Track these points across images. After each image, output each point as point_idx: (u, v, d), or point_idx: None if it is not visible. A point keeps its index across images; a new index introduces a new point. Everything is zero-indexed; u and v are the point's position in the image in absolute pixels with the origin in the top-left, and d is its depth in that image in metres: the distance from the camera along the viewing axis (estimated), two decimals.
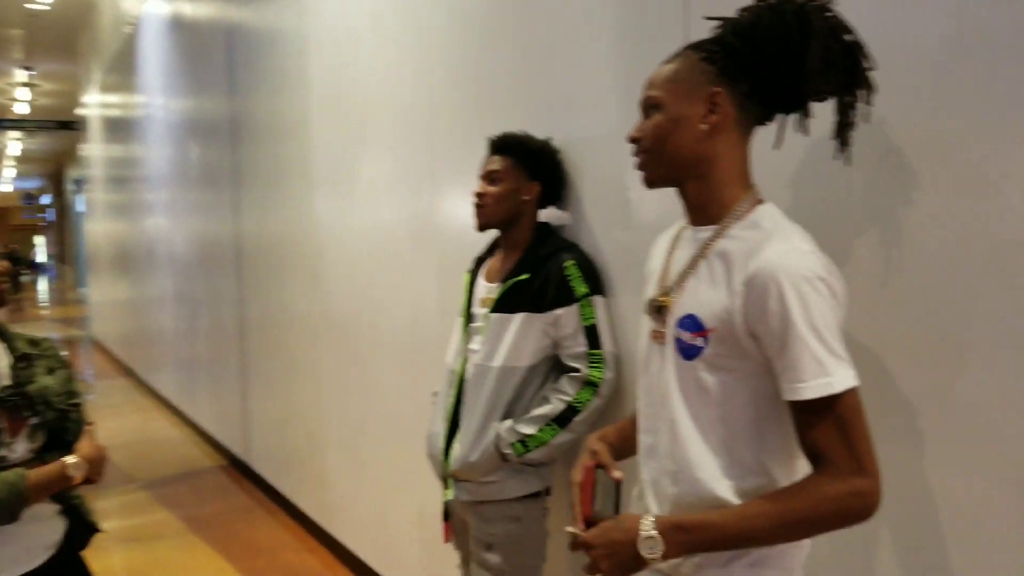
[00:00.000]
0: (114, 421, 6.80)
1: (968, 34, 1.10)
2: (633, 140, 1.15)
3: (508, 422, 1.74)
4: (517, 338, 1.73)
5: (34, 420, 1.63)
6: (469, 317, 1.88)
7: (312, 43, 3.41)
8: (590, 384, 1.70)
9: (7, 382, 1.64)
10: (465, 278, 1.96)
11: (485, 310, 1.81)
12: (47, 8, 8.92)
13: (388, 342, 2.90)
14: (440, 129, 2.48)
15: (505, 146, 1.83)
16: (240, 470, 4.85)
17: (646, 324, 1.19)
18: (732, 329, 1.03)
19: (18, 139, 17.67)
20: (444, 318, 2.48)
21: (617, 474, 1.19)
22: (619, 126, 1.73)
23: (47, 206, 29.01)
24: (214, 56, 4.86)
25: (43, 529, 1.66)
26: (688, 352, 1.08)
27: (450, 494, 1.85)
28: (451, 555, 2.02)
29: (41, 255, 32.18)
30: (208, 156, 5.15)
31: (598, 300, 1.74)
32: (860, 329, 1.24)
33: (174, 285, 6.32)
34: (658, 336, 1.15)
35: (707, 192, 1.11)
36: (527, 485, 1.78)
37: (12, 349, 1.69)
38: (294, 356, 3.87)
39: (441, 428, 1.85)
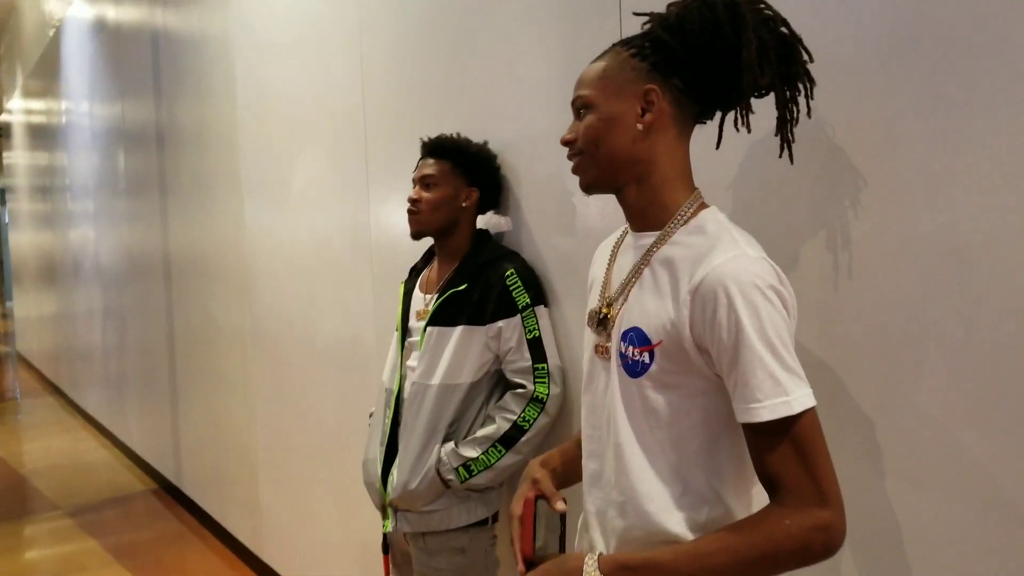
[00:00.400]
0: (39, 443, 6.48)
1: (913, 31, 1.05)
2: (566, 143, 1.08)
3: (449, 445, 1.63)
4: (457, 353, 1.63)
5: None
6: (405, 331, 1.76)
7: (238, 48, 3.26)
8: (536, 400, 1.60)
9: None
10: (400, 289, 1.85)
11: (421, 323, 1.70)
12: None
13: (322, 358, 2.75)
14: (374, 134, 2.36)
15: (440, 149, 1.73)
16: (171, 494, 4.61)
17: (589, 338, 1.11)
18: (679, 343, 0.95)
19: None
20: (381, 332, 2.36)
21: (560, 506, 1.09)
22: (558, 127, 1.64)
23: None
24: (139, 61, 4.64)
25: None
26: (633, 368, 1.00)
27: (389, 525, 1.72)
28: None
29: None
30: (135, 164, 4.92)
31: (541, 310, 1.65)
32: (810, 339, 1.18)
33: (102, 299, 6.02)
34: (602, 351, 1.06)
35: (647, 196, 1.04)
36: (472, 513, 1.66)
37: None
38: (225, 373, 3.68)
39: (378, 453, 1.72)
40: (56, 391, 8.05)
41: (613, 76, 1.02)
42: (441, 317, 1.66)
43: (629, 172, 1.03)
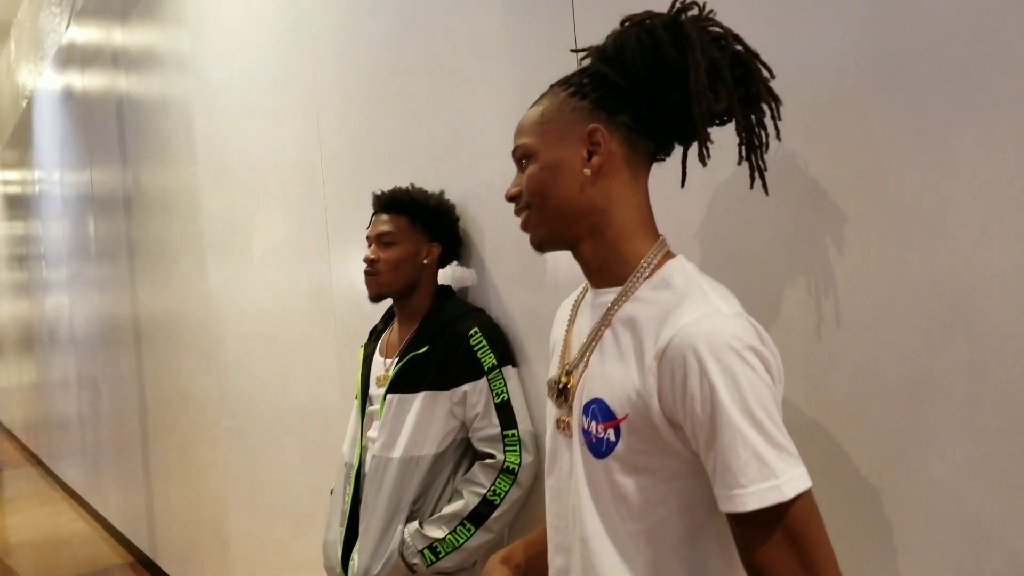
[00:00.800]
0: (19, 516, 6.26)
1: (897, 48, 0.95)
2: (511, 198, 0.96)
3: (414, 524, 1.48)
4: (419, 422, 1.49)
5: None
6: (365, 399, 1.63)
7: (197, 112, 3.18)
8: (507, 472, 1.46)
9: None
10: (359, 354, 1.72)
11: (381, 390, 1.57)
12: None
13: (289, 426, 2.61)
14: (330, 191, 2.26)
15: (396, 204, 1.61)
16: (147, 568, 4.40)
17: (551, 411, 0.97)
18: (647, 417, 0.82)
19: None
20: (345, 398, 2.22)
21: None
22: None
23: None
24: (106, 128, 4.58)
25: None
26: (598, 448, 0.87)
27: None
28: None
29: None
30: (103, 230, 4.82)
31: (509, 371, 1.52)
32: (799, 399, 1.05)
33: (76, 367, 5.86)
34: (563, 426, 0.93)
35: (604, 249, 0.92)
36: None
37: None
38: (195, 441, 3.51)
39: (338, 535, 1.57)
40: (37, 461, 7.82)
41: (553, 119, 0.91)
42: (402, 383, 1.53)
43: (582, 224, 0.92)
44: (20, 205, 7.96)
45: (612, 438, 0.85)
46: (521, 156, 0.95)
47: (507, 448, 1.46)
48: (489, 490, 1.45)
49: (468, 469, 1.53)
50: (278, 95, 2.54)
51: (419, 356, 1.51)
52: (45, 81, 6.30)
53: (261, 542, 2.91)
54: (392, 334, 1.65)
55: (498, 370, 1.50)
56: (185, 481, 3.73)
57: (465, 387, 1.49)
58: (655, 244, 0.92)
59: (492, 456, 1.47)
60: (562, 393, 0.93)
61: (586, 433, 0.88)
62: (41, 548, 5.19)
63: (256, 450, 2.88)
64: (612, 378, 0.86)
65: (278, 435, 2.68)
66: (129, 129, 4.15)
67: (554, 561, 0.95)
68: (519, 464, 1.46)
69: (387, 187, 1.68)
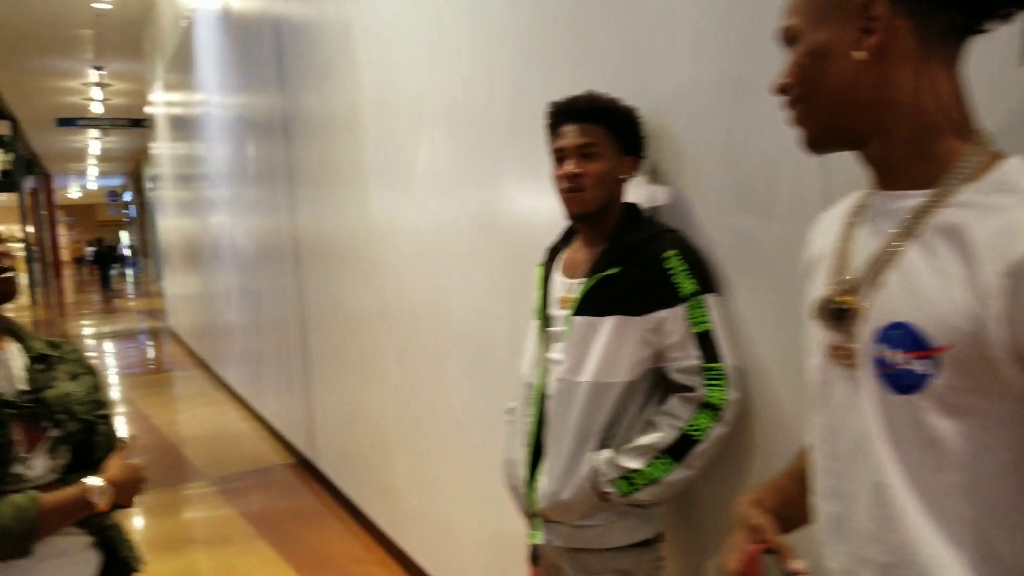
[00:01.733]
0: (188, 413, 6.92)
1: None
2: (780, 89, 0.82)
3: (606, 453, 1.41)
4: (609, 347, 1.41)
5: (54, 432, 1.38)
6: (546, 320, 1.55)
7: (360, 32, 3.15)
8: (709, 407, 1.36)
9: (23, 386, 1.39)
10: (537, 272, 1.63)
11: (566, 312, 1.49)
12: (109, 7, 8.98)
13: (451, 344, 2.63)
14: (499, 110, 2.17)
15: (594, 112, 1.46)
16: (307, 469, 4.71)
17: (817, 337, 0.84)
18: (983, 348, 0.67)
19: (97, 138, 18.23)
20: (512, 319, 2.19)
21: (798, 565, 0.83)
22: (726, 75, 1.38)
23: (129, 203, 30.15)
24: (263, 50, 4.68)
25: (69, 567, 1.40)
26: (901, 381, 0.72)
27: (539, 536, 1.52)
28: None
29: (126, 249, 33.59)
30: (263, 153, 5.01)
31: (711, 300, 1.40)
32: None
33: (239, 280, 6.26)
34: (842, 354, 0.79)
35: (900, 147, 0.76)
36: (635, 532, 1.44)
37: (27, 349, 1.44)
38: (356, 354, 3.66)
39: (522, 455, 1.54)
40: (202, 365, 8.54)
41: None
42: (590, 305, 1.44)
43: (864, 118, 0.76)
44: (184, 126, 8.45)
45: (924, 370, 0.71)
46: (787, 40, 0.81)
47: (709, 382, 1.36)
48: (688, 425, 1.37)
49: (661, 400, 1.45)
50: (442, 9, 2.46)
51: (609, 278, 1.43)
52: (203, 1, 6.52)
53: (421, 454, 3.00)
54: (575, 253, 1.56)
55: (698, 297, 1.39)
56: (344, 391, 3.92)
57: (661, 313, 1.39)
58: (976, 141, 0.75)
59: (690, 389, 1.38)
60: (841, 315, 0.79)
61: (881, 363, 0.74)
62: (210, 443, 5.69)
63: (415, 364, 2.95)
64: (927, 298, 0.71)
65: (438, 350, 2.72)
66: (287, 53, 4.22)
67: (824, 507, 0.84)
68: (724, 401, 1.36)
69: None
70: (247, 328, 6.12)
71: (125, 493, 1.40)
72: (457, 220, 2.50)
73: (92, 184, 30.34)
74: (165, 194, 11.43)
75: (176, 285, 11.10)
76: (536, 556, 1.57)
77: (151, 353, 10.72)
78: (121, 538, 1.51)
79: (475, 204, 2.37)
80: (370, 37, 3.06)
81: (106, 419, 1.48)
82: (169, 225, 11.29)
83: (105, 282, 21.68)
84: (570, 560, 1.49)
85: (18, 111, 14.47)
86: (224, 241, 6.67)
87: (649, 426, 1.42)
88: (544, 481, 1.47)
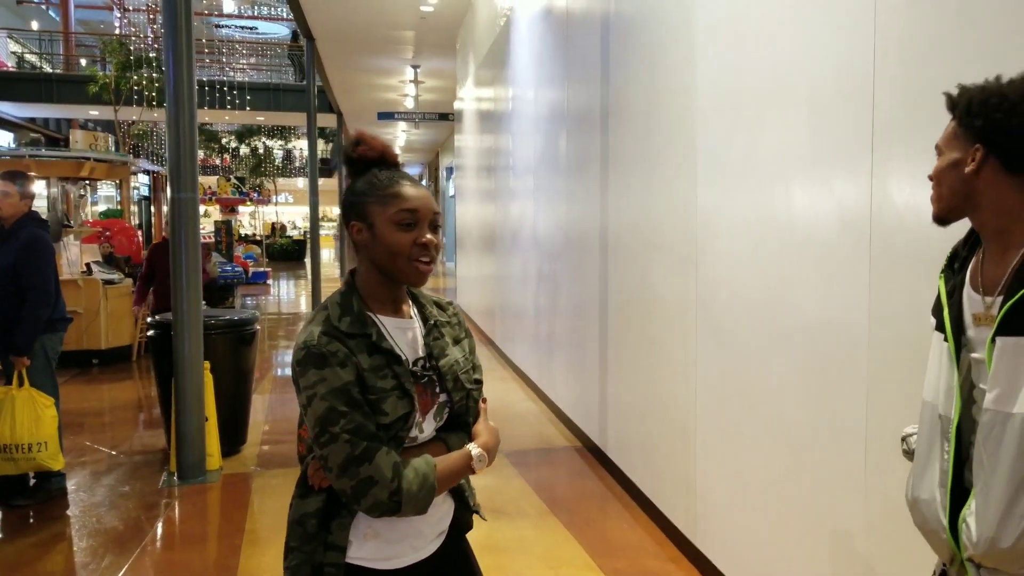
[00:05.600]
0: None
1: None
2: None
3: None
4: None
5: (443, 398, 1.49)
6: (959, 341, 1.38)
7: (703, 16, 3.11)
8: None
9: (422, 354, 1.48)
10: (940, 283, 1.47)
11: (985, 332, 1.32)
12: (431, 10, 9.96)
13: (790, 344, 2.49)
14: (885, 89, 1.98)
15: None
16: (595, 455, 4.83)
17: None
18: None
19: (405, 131, 20.47)
20: (879, 326, 2.01)
21: None
22: None
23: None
24: (588, 44, 4.83)
25: (437, 513, 1.52)
26: None
27: None
28: None
29: None
30: (576, 144, 5.18)
31: None
32: None
33: (537, 265, 6.58)
34: None
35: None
36: None
37: (424, 317, 1.52)
38: (661, 346, 3.65)
39: (937, 495, 1.39)
40: (489, 342, 9.18)
41: None
42: (1018, 322, 1.25)
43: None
44: (492, 120, 9.11)
45: None
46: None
47: None
48: None
49: None
50: None
51: None
52: (524, 0, 6.92)
53: (734, 457, 2.91)
54: (982, 263, 1.36)
55: None
56: (644, 381, 3.93)
57: None
58: None
59: None
60: None
61: None
62: (498, 418, 6.04)
63: (739, 363, 2.85)
64: None
65: (772, 351, 2.60)
66: (614, 43, 4.32)
67: None
68: None
69: (989, 72, 1.35)
70: (542, 312, 6.42)
71: (490, 457, 1.51)
72: (812, 210, 2.35)
73: None
74: (465, 183, 12.44)
75: (468, 267, 12.05)
76: None
77: None
78: (470, 489, 1.63)
79: (839, 193, 2.21)
80: (716, 20, 3.00)
81: (479, 383, 1.57)
82: (466, 211, 12.27)
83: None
84: None
85: (344, 106, 16.69)
86: (525, 227, 7.06)
87: None
88: (973, 525, 1.31)
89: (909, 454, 1.55)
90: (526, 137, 6.91)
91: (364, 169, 1.46)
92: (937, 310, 1.46)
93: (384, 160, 1.48)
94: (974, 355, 1.35)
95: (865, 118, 2.07)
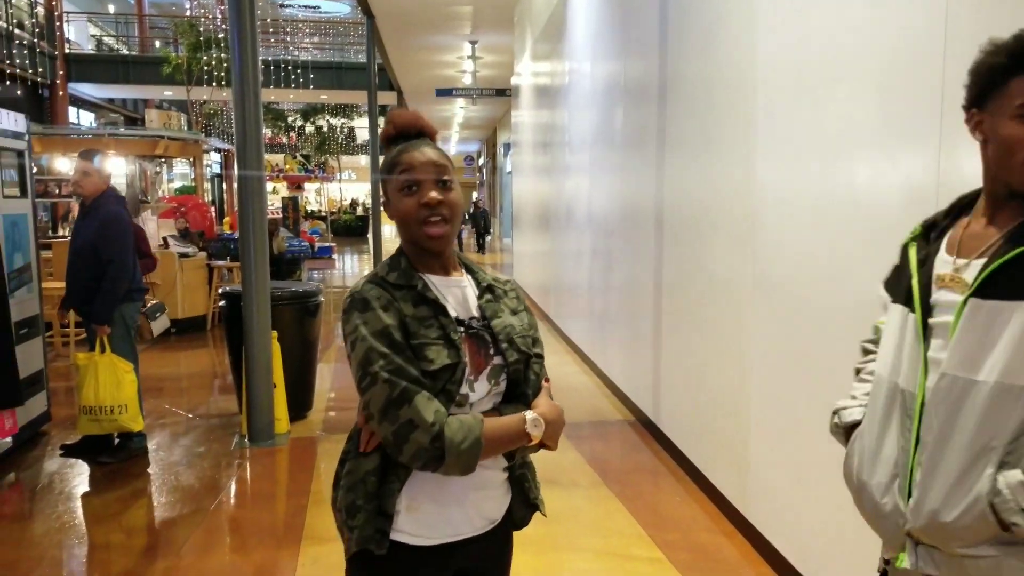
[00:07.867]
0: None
1: None
2: None
3: (1017, 475, 1.15)
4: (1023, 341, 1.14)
5: (497, 360, 1.44)
6: (925, 309, 1.28)
7: None
8: None
9: (475, 314, 1.47)
10: (911, 251, 1.35)
11: (954, 296, 1.24)
12: None
13: (849, 323, 2.47)
14: (956, 59, 1.94)
15: None
16: (648, 428, 4.86)
17: None
18: None
19: (463, 107, 20.52)
20: None
21: None
22: None
23: (482, 167, 33.59)
24: (645, 19, 4.78)
25: (490, 500, 1.47)
26: None
27: (906, 560, 1.27)
28: None
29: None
30: (632, 119, 5.16)
31: None
32: None
33: (591, 242, 6.59)
34: None
35: None
36: None
37: (477, 281, 1.52)
38: (715, 322, 3.65)
39: (885, 478, 1.29)
40: (544, 317, 9.25)
41: None
42: (997, 287, 1.17)
43: None
44: (548, 95, 9.08)
45: None
46: None
47: None
48: None
49: None
50: None
51: None
52: None
53: (790, 438, 2.92)
54: (971, 228, 1.29)
55: None
56: (697, 358, 3.94)
57: None
58: None
59: None
60: None
61: None
62: (554, 390, 6.09)
63: (795, 341, 2.85)
64: None
65: (830, 330, 2.59)
66: (671, 17, 4.27)
67: None
68: None
69: None
70: (596, 287, 6.45)
71: (551, 433, 1.42)
72: (880, 186, 2.31)
73: (452, 149, 34.38)
74: (522, 159, 12.45)
75: (524, 243, 12.10)
76: None
77: None
78: (532, 480, 1.56)
79: (904, 170, 2.18)
80: None
81: (539, 358, 1.51)
82: (523, 188, 12.30)
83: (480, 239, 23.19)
84: None
85: (403, 83, 16.82)
86: (580, 204, 7.07)
87: None
88: (916, 494, 1.24)
89: (840, 430, 1.47)
90: (582, 112, 6.89)
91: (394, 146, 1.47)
92: (895, 282, 1.39)
93: (403, 135, 1.46)
94: (935, 319, 1.26)
95: (935, 89, 2.04)
